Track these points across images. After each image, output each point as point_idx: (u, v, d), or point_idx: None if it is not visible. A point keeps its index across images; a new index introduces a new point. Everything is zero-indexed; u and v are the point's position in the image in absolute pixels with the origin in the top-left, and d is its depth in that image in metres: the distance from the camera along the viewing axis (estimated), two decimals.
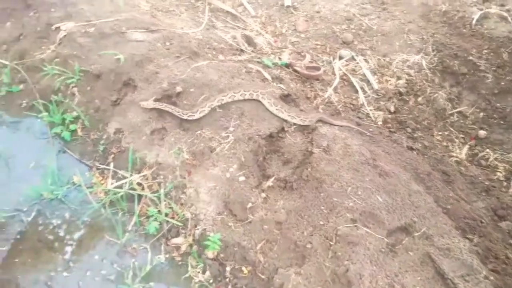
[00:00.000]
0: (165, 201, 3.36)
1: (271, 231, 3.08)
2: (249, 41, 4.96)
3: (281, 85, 4.21)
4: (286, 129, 3.61)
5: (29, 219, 3.40)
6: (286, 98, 3.99)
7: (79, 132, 3.93)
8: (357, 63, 4.86)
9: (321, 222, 3.01)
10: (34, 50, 4.38)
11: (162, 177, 3.54)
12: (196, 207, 3.34)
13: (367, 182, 3.20)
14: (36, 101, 4.01)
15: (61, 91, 4.11)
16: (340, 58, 4.91)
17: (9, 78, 4.25)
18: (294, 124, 3.69)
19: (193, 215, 3.30)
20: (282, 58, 4.70)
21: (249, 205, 3.18)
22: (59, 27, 4.40)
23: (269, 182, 3.29)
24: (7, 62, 4.36)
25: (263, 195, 3.27)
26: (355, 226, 2.94)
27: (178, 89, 3.79)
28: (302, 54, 4.86)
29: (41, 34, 4.46)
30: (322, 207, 3.08)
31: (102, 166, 3.72)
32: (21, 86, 4.28)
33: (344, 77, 4.76)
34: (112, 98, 3.96)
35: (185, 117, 3.60)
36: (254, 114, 3.68)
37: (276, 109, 3.64)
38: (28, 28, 4.53)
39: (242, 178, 3.32)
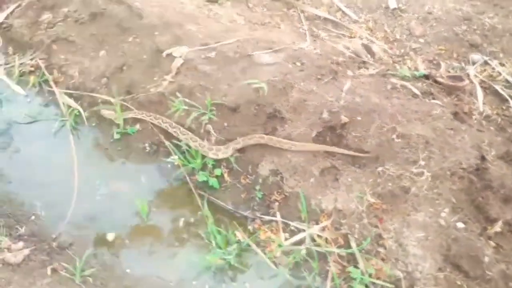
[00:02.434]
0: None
1: None
2: (369, 50, 4.42)
3: (436, 101, 3.69)
4: (486, 157, 3.08)
5: None
6: (456, 116, 3.46)
7: (226, 177, 3.34)
8: (493, 68, 4.35)
9: None
10: (145, 82, 3.75)
11: (346, 227, 2.99)
12: (405, 263, 2.80)
13: None
14: (167, 143, 3.41)
15: (192, 130, 3.50)
16: (473, 63, 4.39)
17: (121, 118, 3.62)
18: None
19: (405, 274, 2.75)
20: (417, 68, 4.17)
21: (486, 258, 2.64)
22: (171, 54, 3.77)
23: (496, 227, 2.76)
24: (113, 99, 3.72)
25: (492, 243, 2.74)
26: None
27: (344, 119, 3.24)
28: (434, 62, 4.33)
29: (149, 63, 3.84)
30: None
31: (267, 218, 3.14)
32: (138, 126, 3.65)
33: (482, 85, 4.24)
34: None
35: None
36: (441, 141, 3.14)
37: None
38: (131, 57, 3.90)
39: (460, 225, 2.79)
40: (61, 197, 3.30)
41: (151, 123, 3.56)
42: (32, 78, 4.08)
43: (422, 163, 3.06)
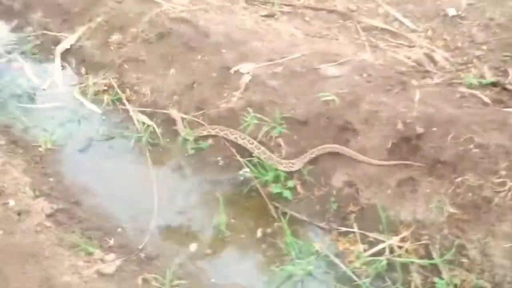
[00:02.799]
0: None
1: None
2: (431, 59, 4.40)
3: (509, 109, 3.62)
4: None
5: None
6: None
7: (299, 189, 3.41)
8: None
9: None
10: (215, 99, 3.89)
11: (426, 237, 2.98)
12: (491, 274, 2.76)
13: None
14: (242, 160, 3.53)
15: (263, 143, 3.60)
16: None
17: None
18: None
19: (493, 285, 2.72)
20: (484, 76, 4.11)
21: None
22: (238, 70, 3.90)
23: None
24: (185, 116, 3.88)
25: None
26: None
27: (419, 130, 3.24)
28: (501, 69, 4.25)
29: (218, 80, 3.98)
30: None
31: (344, 229, 3.17)
32: (210, 141, 3.78)
33: None
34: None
35: None
36: None
37: None
38: (200, 74, 4.05)
39: None
40: (143, 210, 3.45)
41: (224, 138, 3.67)
42: (106, 97, 4.31)
43: (503, 173, 3.01)
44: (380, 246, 3.04)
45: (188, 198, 3.53)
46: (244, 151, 3.65)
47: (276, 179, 3.48)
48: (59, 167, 3.82)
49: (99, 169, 3.79)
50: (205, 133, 3.75)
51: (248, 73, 3.87)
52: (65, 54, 4.84)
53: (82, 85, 4.47)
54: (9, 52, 4.99)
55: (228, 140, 3.70)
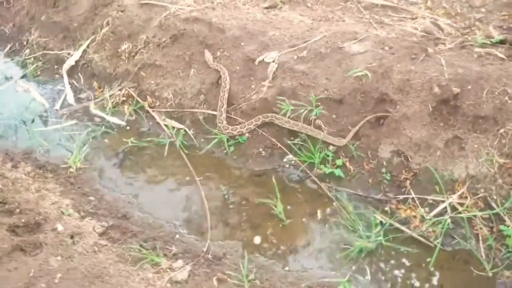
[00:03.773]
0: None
1: None
2: (438, 27, 4.54)
3: None
4: None
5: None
6: None
7: (348, 166, 3.46)
8: None
9: None
10: (244, 92, 3.89)
11: (483, 190, 3.10)
12: None
13: None
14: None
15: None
16: None
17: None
18: None
19: None
20: (491, 35, 4.28)
21: None
22: (263, 60, 3.90)
23: None
24: (215, 112, 3.85)
25: None
26: None
27: (455, 90, 3.35)
28: (504, 27, 4.44)
29: (243, 73, 3.97)
30: None
31: (402, 197, 3.24)
32: (247, 134, 3.77)
33: None
34: (371, 120, 3.49)
35: None
36: None
37: None
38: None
39: None
40: (195, 213, 3.43)
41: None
42: (126, 108, 4.21)
43: None
44: (441, 206, 3.13)
45: (239, 193, 3.50)
46: (282, 138, 3.64)
47: (323, 160, 3.49)
48: (96, 185, 3.73)
49: (138, 180, 3.72)
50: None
51: (273, 61, 3.87)
52: (72, 71, 4.69)
53: (98, 99, 4.34)
54: (9, 78, 4.78)
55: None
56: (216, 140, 3.80)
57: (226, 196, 3.50)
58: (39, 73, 4.80)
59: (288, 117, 3.61)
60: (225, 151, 3.76)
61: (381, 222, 3.16)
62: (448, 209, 3.10)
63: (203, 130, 3.93)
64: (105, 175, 3.78)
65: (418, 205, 3.20)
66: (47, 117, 4.37)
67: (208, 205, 3.44)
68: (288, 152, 3.62)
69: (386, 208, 3.27)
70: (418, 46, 3.84)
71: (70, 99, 4.41)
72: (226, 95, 3.79)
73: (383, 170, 3.36)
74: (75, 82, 4.62)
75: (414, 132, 3.35)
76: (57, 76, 4.73)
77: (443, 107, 3.36)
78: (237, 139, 3.77)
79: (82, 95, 4.48)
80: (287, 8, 4.91)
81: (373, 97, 3.55)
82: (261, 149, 3.70)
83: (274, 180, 3.44)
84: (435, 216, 3.11)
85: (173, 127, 3.96)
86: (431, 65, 3.62)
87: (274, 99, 3.74)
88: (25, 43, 5.08)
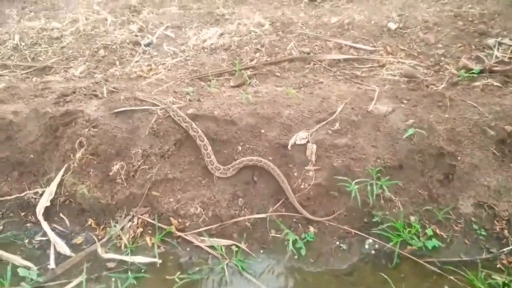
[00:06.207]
0: None
1: None
2: (415, 69, 4.72)
3: None
4: None
5: None
6: None
7: (438, 232, 3.23)
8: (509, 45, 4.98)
9: None
10: (289, 183, 3.43)
11: None
12: None
13: None
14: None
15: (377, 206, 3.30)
16: (493, 47, 4.97)
17: None
18: None
19: None
20: (467, 67, 4.57)
21: None
22: (294, 143, 3.53)
23: None
24: (262, 215, 3.32)
25: None
26: None
27: (508, 128, 3.44)
28: (472, 57, 4.79)
29: (279, 162, 3.54)
30: None
31: (507, 249, 3.10)
32: (311, 230, 3.30)
33: None
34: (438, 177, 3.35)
35: None
36: None
37: None
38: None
39: None
40: None
41: None
42: (148, 240, 3.38)
43: None
44: None
45: None
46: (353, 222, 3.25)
47: (410, 232, 3.18)
48: None
49: None
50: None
51: (307, 141, 3.50)
52: (48, 215, 3.65)
53: (103, 240, 3.41)
54: None
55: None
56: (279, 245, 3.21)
57: None
58: (2, 228, 3.62)
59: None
60: (296, 256, 3.19)
61: (504, 283, 2.90)
62: None
63: (255, 238, 3.31)
64: None
65: None
66: (44, 283, 3.23)
67: None
68: (367, 236, 3.21)
69: (498, 265, 3.04)
70: (436, 93, 3.84)
71: (63, 249, 3.38)
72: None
73: (475, 226, 3.16)
74: (58, 227, 3.58)
75: (489, 180, 3.25)
76: (29, 225, 3.63)
77: (503, 147, 3.34)
78: (304, 237, 3.23)
79: (77, 240, 3.47)
80: (257, 83, 4.59)
81: (432, 153, 3.41)
82: (337, 243, 3.22)
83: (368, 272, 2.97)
84: None
85: (221, 246, 3.25)
86: (463, 109, 3.63)
87: (329, 182, 3.33)
88: None
